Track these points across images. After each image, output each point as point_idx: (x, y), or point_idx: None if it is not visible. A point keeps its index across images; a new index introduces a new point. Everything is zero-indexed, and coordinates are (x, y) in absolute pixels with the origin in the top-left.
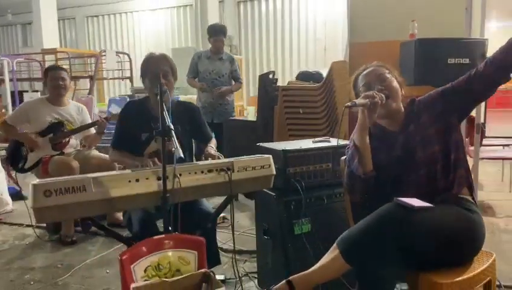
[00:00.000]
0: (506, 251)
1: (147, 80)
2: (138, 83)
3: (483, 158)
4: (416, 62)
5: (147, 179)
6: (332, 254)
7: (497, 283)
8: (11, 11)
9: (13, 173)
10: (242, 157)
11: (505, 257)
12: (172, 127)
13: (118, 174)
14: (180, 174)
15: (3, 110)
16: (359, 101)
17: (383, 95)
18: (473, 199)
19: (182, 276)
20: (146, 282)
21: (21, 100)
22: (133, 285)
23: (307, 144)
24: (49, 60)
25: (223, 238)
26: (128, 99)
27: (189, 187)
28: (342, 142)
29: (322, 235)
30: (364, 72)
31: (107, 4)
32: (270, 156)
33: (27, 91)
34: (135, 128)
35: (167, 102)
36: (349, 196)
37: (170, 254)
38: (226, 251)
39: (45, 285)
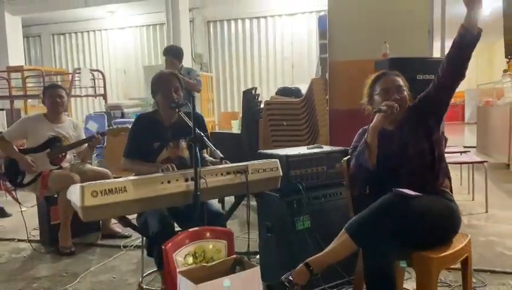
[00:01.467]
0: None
1: (159, 95)
2: (112, 100)
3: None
4: None
5: (176, 180)
6: (341, 238)
7: None
8: None
9: (9, 187)
10: (254, 161)
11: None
12: (202, 133)
13: (153, 177)
14: (204, 176)
15: None
16: (383, 108)
17: (397, 106)
18: (451, 190)
19: (217, 261)
20: (189, 267)
21: None
22: (179, 269)
23: (302, 150)
24: (15, 78)
25: None
26: (105, 116)
27: (212, 187)
28: (335, 148)
29: (320, 230)
30: (384, 78)
31: (74, 22)
32: (277, 160)
33: None
34: (148, 138)
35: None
36: (350, 190)
37: (204, 243)
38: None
39: None
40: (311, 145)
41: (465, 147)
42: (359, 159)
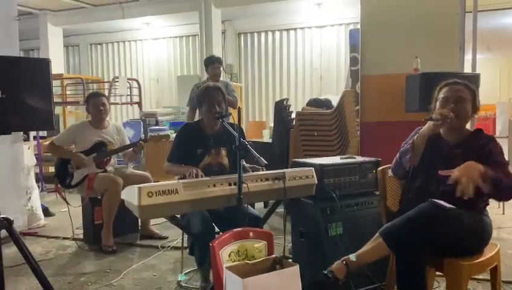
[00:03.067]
0: (501, 255)
1: (204, 106)
2: (145, 108)
3: None
4: (421, 92)
5: (221, 184)
6: (375, 241)
7: None
8: None
9: (60, 188)
10: (291, 169)
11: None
12: (247, 142)
13: (201, 180)
14: (246, 181)
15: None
16: (435, 116)
17: (453, 115)
18: (486, 204)
19: (260, 259)
20: (235, 263)
21: None
22: (225, 265)
23: (336, 160)
24: (55, 86)
25: None
26: (141, 123)
27: (253, 192)
28: (367, 159)
29: (351, 236)
30: (449, 87)
31: (110, 33)
32: (313, 168)
33: None
34: (192, 145)
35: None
36: (384, 199)
37: (247, 243)
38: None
39: (101, 286)
40: (344, 156)
41: None
42: (401, 157)
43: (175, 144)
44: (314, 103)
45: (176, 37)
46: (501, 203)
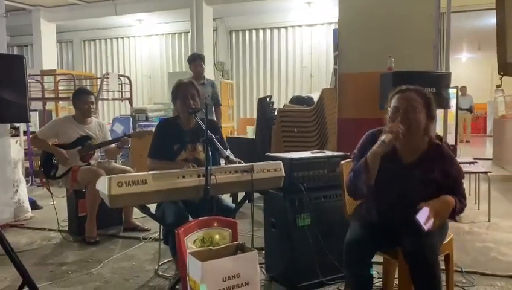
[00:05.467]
0: (468, 248)
1: (178, 101)
2: (137, 104)
3: None
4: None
5: (190, 176)
6: None
7: (459, 269)
8: (9, 34)
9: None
10: (259, 162)
11: (466, 251)
12: (213, 136)
13: (170, 172)
14: (214, 173)
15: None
16: (386, 137)
17: (403, 129)
18: None
19: (222, 245)
20: (198, 249)
21: None
22: (189, 251)
23: (306, 154)
24: (48, 81)
25: None
26: (130, 119)
27: (221, 183)
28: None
29: (319, 227)
30: (400, 95)
31: (104, 29)
32: (281, 161)
33: None
34: (169, 141)
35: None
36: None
37: (212, 231)
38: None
39: (82, 274)
40: (316, 150)
41: (484, 159)
42: (356, 179)
43: (153, 140)
44: (296, 100)
45: (169, 34)
46: (476, 199)
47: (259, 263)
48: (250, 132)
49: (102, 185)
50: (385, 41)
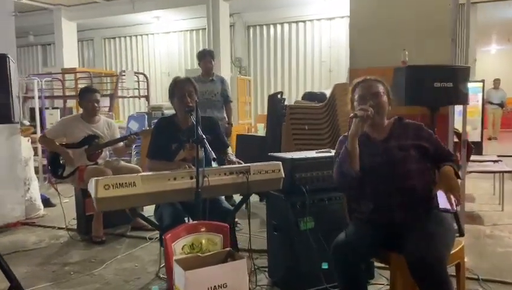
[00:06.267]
0: (488, 253)
1: (175, 99)
2: (154, 101)
3: (471, 172)
4: (407, 86)
5: (182, 178)
6: None
7: (476, 276)
8: (33, 33)
9: (53, 180)
10: (257, 163)
11: (486, 257)
12: (204, 136)
13: (160, 174)
14: (207, 175)
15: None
16: (358, 112)
17: (372, 110)
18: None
19: (211, 252)
20: (185, 256)
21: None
22: (175, 257)
23: (311, 154)
24: (69, 79)
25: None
26: (145, 116)
27: (215, 185)
28: None
29: (323, 231)
30: (362, 85)
31: (123, 27)
32: (280, 162)
33: (48, 108)
34: (167, 140)
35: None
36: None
37: (202, 236)
38: (240, 250)
39: (83, 275)
40: (322, 150)
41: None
42: (342, 167)
43: (151, 139)
44: (308, 96)
45: (186, 30)
46: (501, 199)
47: (263, 267)
48: (260, 130)
49: (90, 187)
50: (399, 34)
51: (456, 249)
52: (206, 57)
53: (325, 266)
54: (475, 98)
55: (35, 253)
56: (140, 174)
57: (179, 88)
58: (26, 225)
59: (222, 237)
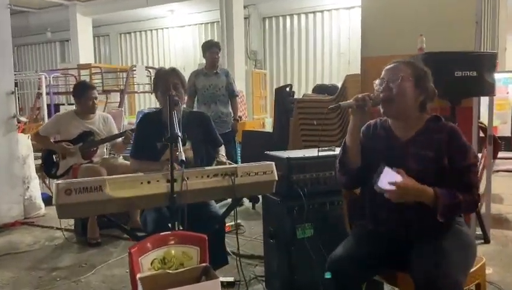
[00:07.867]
0: None
1: (159, 92)
2: None
3: (498, 171)
4: None
5: (157, 181)
6: None
7: None
8: (51, 29)
9: (47, 180)
10: (246, 163)
11: None
12: (180, 134)
13: (131, 177)
14: (187, 178)
15: (40, 122)
16: (344, 103)
17: (369, 99)
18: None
19: (184, 269)
20: (151, 273)
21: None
22: (139, 275)
23: (311, 153)
24: (84, 75)
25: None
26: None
27: (196, 190)
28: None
29: (324, 239)
30: (387, 68)
31: (138, 22)
32: (273, 163)
33: (64, 104)
34: (151, 138)
35: (178, 112)
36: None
37: (175, 249)
38: (242, 256)
39: (69, 281)
40: (325, 148)
41: None
42: (342, 157)
43: (134, 138)
44: (318, 89)
45: (201, 24)
46: None
47: (260, 276)
48: (268, 125)
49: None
50: (415, 19)
51: (476, 267)
52: (212, 48)
53: (328, 275)
54: (505, 89)
55: (26, 256)
56: (108, 177)
57: (162, 80)
58: (25, 224)
59: (199, 250)
